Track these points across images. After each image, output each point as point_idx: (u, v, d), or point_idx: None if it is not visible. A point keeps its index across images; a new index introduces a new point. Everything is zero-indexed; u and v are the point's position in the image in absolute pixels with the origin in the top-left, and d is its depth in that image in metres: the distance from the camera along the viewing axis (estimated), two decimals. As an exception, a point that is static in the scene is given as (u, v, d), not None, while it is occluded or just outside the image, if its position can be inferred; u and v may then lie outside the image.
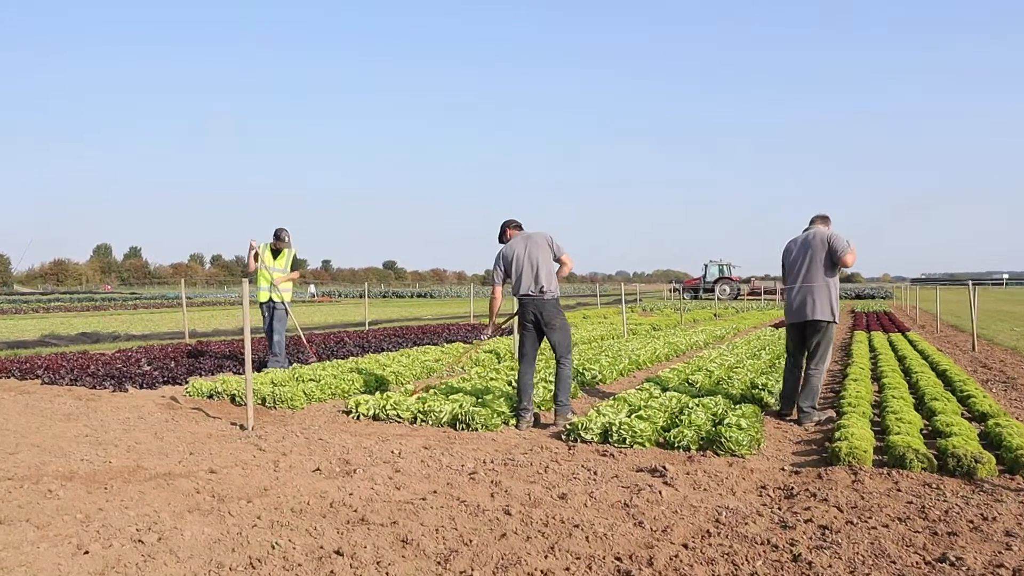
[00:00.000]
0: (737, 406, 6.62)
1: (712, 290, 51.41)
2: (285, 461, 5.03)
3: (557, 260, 6.55)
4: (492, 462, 5.12)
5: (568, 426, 5.97)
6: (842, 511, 4.04)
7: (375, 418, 6.59)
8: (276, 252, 9.67)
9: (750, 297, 49.22)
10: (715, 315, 26.54)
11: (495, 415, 6.28)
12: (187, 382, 8.43)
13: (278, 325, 9.59)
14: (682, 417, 6.11)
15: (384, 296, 62.03)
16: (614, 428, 5.72)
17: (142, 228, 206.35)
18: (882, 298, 51.93)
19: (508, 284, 6.67)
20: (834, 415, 6.71)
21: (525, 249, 6.50)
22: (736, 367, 9.04)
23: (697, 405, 6.51)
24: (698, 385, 7.98)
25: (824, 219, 6.80)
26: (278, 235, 9.60)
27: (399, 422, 6.48)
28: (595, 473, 4.85)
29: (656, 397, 6.91)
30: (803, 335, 6.84)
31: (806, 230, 6.82)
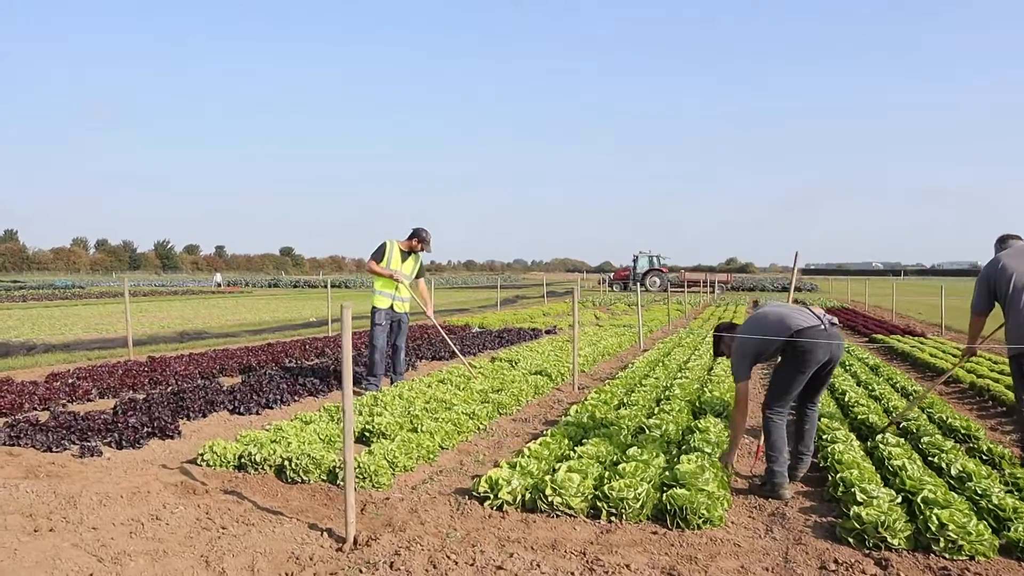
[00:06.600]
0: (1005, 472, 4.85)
1: (642, 282, 50.49)
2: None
3: None
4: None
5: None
6: None
7: (527, 508, 4.38)
8: (405, 254, 8.23)
9: (689, 290, 48.43)
10: (682, 313, 25.11)
11: (714, 502, 4.23)
12: (180, 433, 5.97)
13: (402, 342, 8.52)
14: (982, 500, 4.21)
15: (296, 286, 57.93)
16: (931, 527, 3.79)
17: (16, 209, 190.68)
18: (808, 291, 52.10)
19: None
20: None
21: None
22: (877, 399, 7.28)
23: (964, 475, 4.65)
24: (882, 431, 6.09)
25: (1019, 238, 5.71)
26: (420, 235, 8.18)
27: (570, 515, 4.28)
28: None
29: (901, 468, 4.82)
30: None
31: (1004, 247, 5.61)
